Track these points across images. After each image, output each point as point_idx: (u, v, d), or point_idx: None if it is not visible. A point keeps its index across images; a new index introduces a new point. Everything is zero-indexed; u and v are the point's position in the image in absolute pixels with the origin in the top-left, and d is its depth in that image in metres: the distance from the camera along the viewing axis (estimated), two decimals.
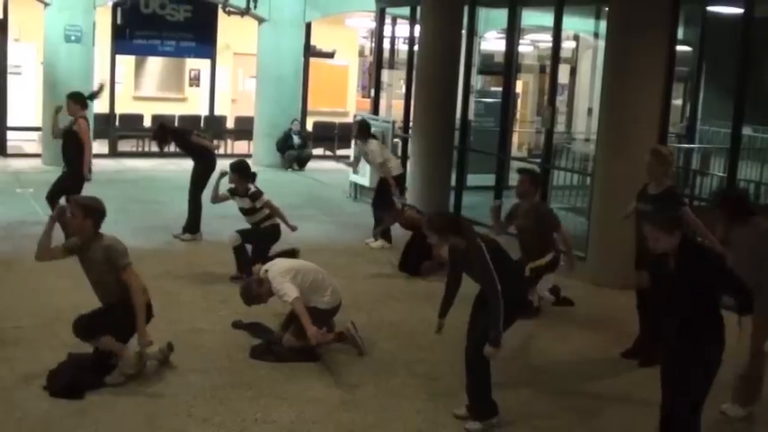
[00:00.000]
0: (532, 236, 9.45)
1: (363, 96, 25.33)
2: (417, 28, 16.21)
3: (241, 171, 10.61)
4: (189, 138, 12.70)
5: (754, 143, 16.84)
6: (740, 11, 11.28)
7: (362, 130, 13.21)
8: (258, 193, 10.57)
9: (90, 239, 7.18)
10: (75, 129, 11.38)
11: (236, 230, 10.58)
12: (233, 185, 10.66)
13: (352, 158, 15.26)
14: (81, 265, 7.28)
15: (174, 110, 22.75)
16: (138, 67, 24.15)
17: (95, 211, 7.21)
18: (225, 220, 12.01)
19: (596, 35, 19.50)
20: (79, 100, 11.56)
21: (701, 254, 5.93)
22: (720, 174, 13.82)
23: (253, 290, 8.05)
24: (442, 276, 7.53)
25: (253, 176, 10.69)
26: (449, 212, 7.06)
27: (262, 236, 10.56)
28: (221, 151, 21.43)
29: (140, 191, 16.38)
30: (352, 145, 15.32)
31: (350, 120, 17.79)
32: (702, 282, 5.77)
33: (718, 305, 5.86)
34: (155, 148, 14.81)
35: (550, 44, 14.31)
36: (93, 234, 7.17)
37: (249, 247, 10.53)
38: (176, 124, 13.17)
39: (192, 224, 12.40)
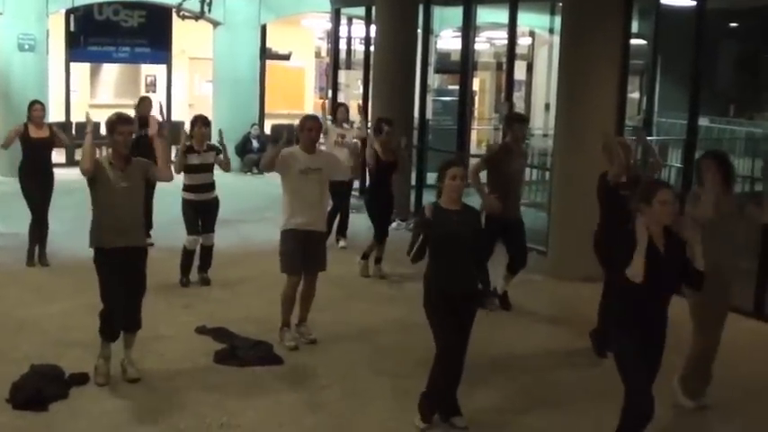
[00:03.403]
0: None
1: (321, 98, 25.27)
2: (373, 28, 16.22)
3: (207, 123, 10.61)
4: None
5: (711, 134, 17.00)
6: (693, 3, 11.40)
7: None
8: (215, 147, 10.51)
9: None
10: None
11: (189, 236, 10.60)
12: (190, 143, 10.33)
13: None
14: (106, 192, 7.20)
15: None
16: (94, 74, 23.93)
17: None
18: (182, 224, 11.72)
19: (551, 31, 19.57)
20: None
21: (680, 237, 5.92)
22: (678, 165, 13.92)
23: None
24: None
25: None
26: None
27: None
28: None
29: None
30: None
31: None
32: (684, 263, 5.79)
33: None
34: None
35: (506, 41, 14.38)
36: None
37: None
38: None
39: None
